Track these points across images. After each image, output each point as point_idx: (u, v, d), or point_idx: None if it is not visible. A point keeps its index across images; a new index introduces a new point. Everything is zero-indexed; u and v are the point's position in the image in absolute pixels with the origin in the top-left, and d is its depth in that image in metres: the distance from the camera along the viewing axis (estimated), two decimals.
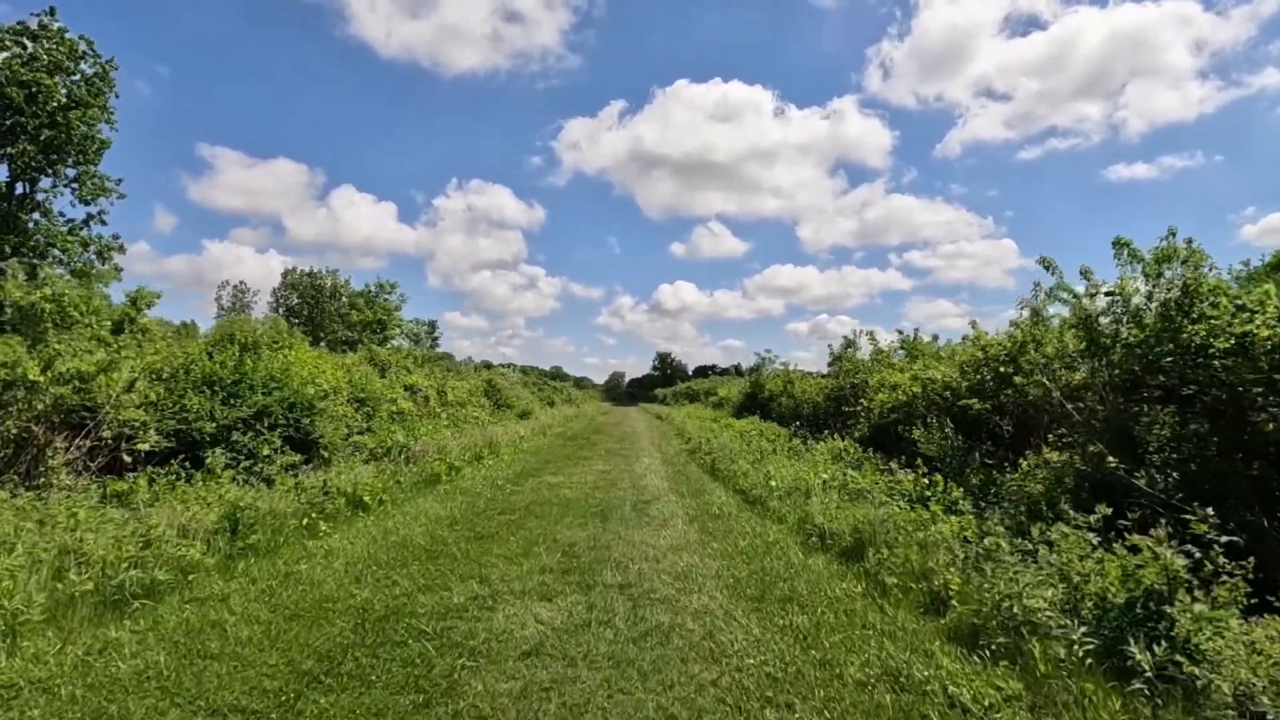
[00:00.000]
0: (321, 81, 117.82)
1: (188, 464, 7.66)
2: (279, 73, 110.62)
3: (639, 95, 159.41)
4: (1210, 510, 4.00)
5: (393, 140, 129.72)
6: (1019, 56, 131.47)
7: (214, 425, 8.34)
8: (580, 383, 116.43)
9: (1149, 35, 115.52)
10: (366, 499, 8.22)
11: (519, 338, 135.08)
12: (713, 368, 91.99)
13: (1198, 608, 3.52)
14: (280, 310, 61.50)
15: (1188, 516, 4.05)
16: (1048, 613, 3.94)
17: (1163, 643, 3.42)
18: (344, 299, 71.57)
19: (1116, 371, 6.15)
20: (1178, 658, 3.33)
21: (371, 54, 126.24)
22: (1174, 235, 5.99)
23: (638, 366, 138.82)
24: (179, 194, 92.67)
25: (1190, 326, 5.23)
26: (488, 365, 28.60)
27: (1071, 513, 4.77)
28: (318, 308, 64.79)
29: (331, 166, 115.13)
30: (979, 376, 8.77)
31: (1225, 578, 3.72)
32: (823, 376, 19.25)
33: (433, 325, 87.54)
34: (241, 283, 64.39)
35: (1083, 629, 3.71)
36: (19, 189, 20.44)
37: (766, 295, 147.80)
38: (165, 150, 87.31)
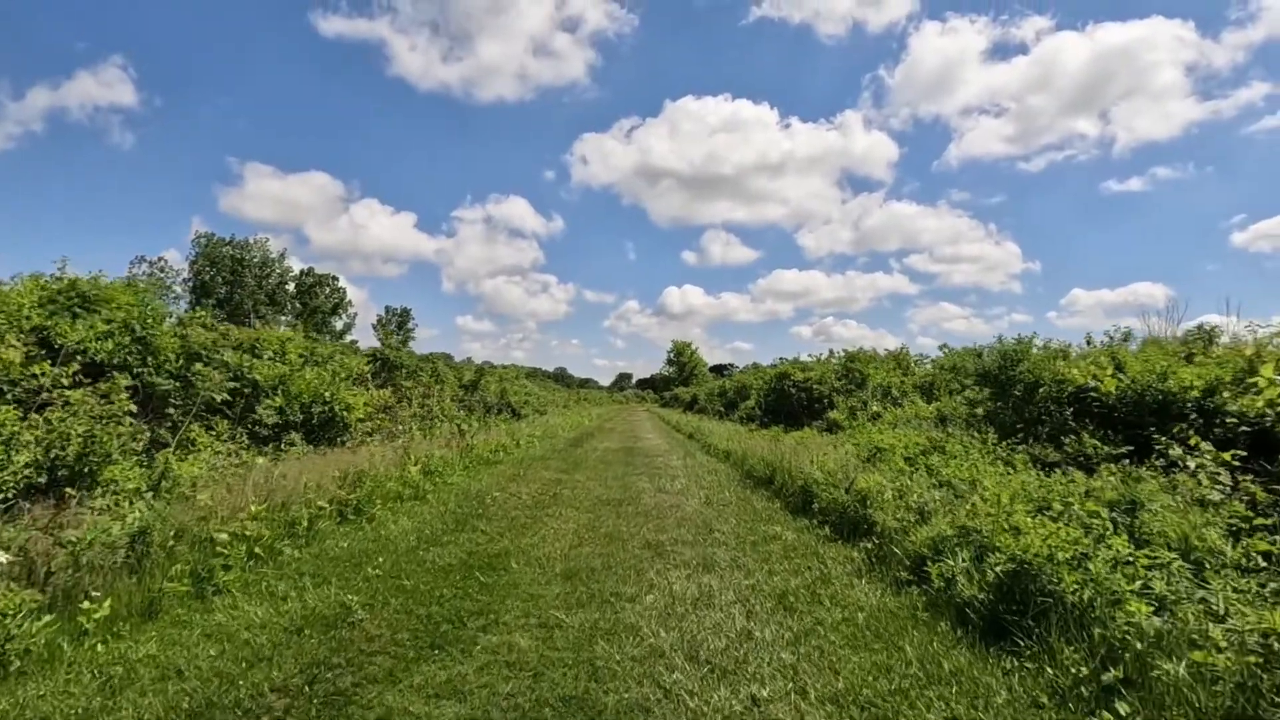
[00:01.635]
0: (363, 111, 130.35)
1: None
2: (331, 104, 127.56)
3: (651, 111, 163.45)
4: None
5: (419, 158, 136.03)
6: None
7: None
8: (585, 383, 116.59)
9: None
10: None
11: (529, 340, 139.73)
12: (730, 365, 76.03)
13: None
14: (191, 284, 54.10)
15: None
16: None
17: None
18: (275, 272, 61.10)
19: None
20: None
21: (410, 88, 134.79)
22: None
23: (645, 368, 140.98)
24: (210, 204, 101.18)
25: None
26: (489, 366, 28.69)
27: None
28: (240, 285, 57.67)
29: (360, 180, 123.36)
30: None
31: None
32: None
33: (405, 315, 79.32)
34: (161, 258, 56.29)
35: None
36: None
37: (774, 299, 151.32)
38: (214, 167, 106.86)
